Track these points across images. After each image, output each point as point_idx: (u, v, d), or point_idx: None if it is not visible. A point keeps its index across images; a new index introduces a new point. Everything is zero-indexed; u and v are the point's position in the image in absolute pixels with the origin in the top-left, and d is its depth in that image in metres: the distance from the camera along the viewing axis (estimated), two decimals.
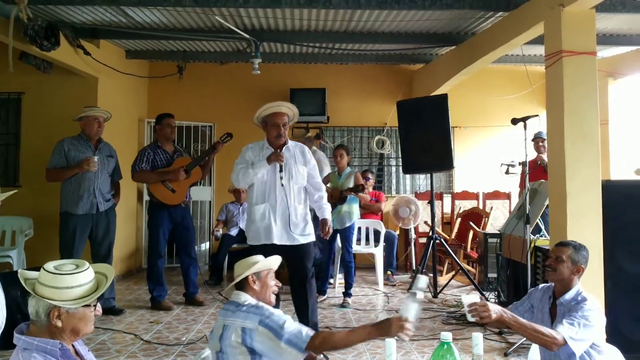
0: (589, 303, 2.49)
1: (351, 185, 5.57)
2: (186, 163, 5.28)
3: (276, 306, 3.82)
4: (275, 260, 2.54)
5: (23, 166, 6.46)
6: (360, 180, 5.68)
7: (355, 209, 5.72)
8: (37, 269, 1.82)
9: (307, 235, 3.96)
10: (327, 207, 4.11)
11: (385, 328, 2.19)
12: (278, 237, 3.84)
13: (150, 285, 5.32)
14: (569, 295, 2.57)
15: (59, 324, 1.75)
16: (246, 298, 2.42)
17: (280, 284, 2.57)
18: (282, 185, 3.87)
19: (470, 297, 2.30)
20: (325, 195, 4.13)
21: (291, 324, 2.26)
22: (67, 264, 1.82)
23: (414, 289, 2.16)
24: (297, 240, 3.89)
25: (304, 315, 3.94)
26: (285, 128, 3.91)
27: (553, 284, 2.68)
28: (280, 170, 3.87)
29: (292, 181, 3.91)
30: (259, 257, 2.52)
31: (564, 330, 2.33)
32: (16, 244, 5.87)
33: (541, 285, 2.82)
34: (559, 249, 2.64)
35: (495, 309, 2.26)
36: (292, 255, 3.88)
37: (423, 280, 2.17)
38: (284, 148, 3.95)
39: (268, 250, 3.74)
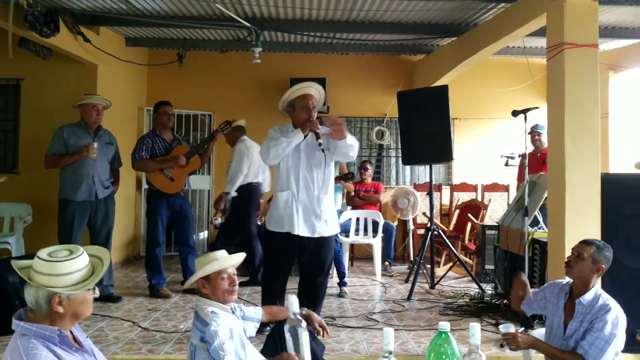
0: (612, 313, 2.47)
1: (339, 174, 5.58)
2: (185, 151, 5.27)
3: (275, 294, 3.82)
4: (230, 260, 2.43)
5: (22, 153, 6.45)
6: (346, 170, 5.69)
7: (339, 198, 5.74)
8: (32, 257, 1.81)
9: (330, 227, 3.74)
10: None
11: None
12: (300, 228, 3.66)
13: (149, 273, 5.33)
14: (588, 296, 2.55)
15: (61, 310, 1.76)
16: (203, 304, 2.38)
17: (235, 282, 2.43)
18: (323, 151, 3.59)
19: (507, 327, 2.46)
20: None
21: (221, 346, 2.19)
22: (60, 249, 1.82)
23: (292, 315, 2.04)
24: (319, 232, 3.69)
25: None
26: (315, 111, 3.62)
27: (571, 281, 2.68)
28: (318, 137, 3.55)
29: (317, 169, 3.70)
30: (218, 255, 2.42)
31: (590, 357, 2.44)
32: (15, 230, 5.88)
33: (558, 280, 2.82)
34: (582, 247, 2.62)
35: (526, 340, 2.46)
36: (311, 246, 3.71)
37: (293, 302, 2.06)
38: (310, 133, 3.62)
39: (288, 238, 3.68)
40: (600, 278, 2.65)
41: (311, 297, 3.75)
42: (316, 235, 3.69)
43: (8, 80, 6.49)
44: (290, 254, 3.81)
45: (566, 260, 2.66)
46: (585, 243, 2.64)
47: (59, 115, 5.65)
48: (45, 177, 5.66)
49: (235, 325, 2.43)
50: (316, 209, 3.68)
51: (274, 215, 3.76)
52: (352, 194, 6.88)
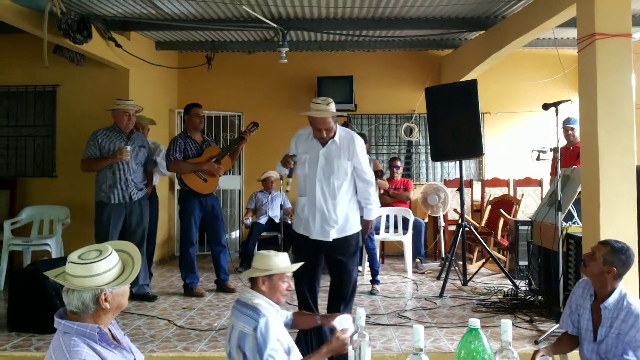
0: None
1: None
2: (216, 153, 5.36)
3: (310, 300, 3.90)
4: (293, 267, 2.56)
5: (59, 157, 6.65)
6: (379, 167, 5.66)
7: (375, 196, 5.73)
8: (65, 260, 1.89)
9: (345, 230, 3.78)
10: (373, 206, 3.92)
11: (332, 344, 2.35)
12: (315, 232, 3.76)
13: (183, 272, 5.44)
14: (612, 299, 2.52)
15: (108, 305, 1.84)
16: (253, 296, 2.46)
17: (292, 288, 2.59)
18: (288, 184, 3.92)
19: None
20: (373, 191, 3.94)
21: (276, 353, 2.31)
22: (89, 251, 1.88)
23: (357, 328, 2.08)
24: (332, 236, 3.75)
25: (335, 309, 3.94)
26: (329, 131, 3.72)
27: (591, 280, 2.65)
28: (289, 176, 3.87)
29: (333, 177, 3.75)
30: (281, 259, 2.52)
31: None
32: (54, 232, 6.06)
33: (582, 279, 2.78)
34: (597, 246, 2.61)
35: None
36: (328, 249, 3.78)
37: (361, 315, 2.08)
38: (330, 141, 3.77)
39: (307, 241, 3.80)
40: (620, 280, 2.57)
41: (339, 295, 3.85)
42: (330, 239, 3.74)
43: (44, 87, 6.69)
44: (313, 254, 3.83)
45: (582, 257, 2.63)
46: (601, 243, 2.61)
47: (94, 120, 5.80)
48: (82, 180, 5.83)
49: (279, 320, 2.54)
50: (332, 215, 3.73)
51: (296, 217, 3.93)
52: (384, 191, 6.84)
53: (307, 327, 2.76)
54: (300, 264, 2.65)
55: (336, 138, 3.74)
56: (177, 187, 7.64)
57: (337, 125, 3.78)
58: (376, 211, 4.01)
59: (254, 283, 2.51)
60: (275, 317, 2.46)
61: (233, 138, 7.70)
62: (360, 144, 3.83)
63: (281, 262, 2.51)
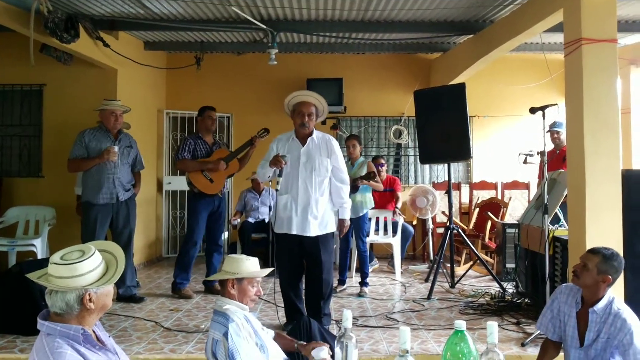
0: (630, 320, 2.42)
1: (364, 174, 5.58)
2: (224, 155, 5.39)
3: (297, 303, 4.00)
4: (263, 272, 2.56)
5: (45, 157, 6.59)
6: (373, 168, 5.68)
7: (369, 198, 5.73)
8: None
9: (326, 227, 4.05)
10: (348, 205, 4.16)
11: None
12: (297, 228, 3.98)
13: (176, 270, 5.40)
14: (601, 304, 2.51)
15: (92, 306, 1.82)
16: (223, 302, 2.46)
17: (261, 293, 2.57)
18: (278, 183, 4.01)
19: None
20: (347, 191, 4.17)
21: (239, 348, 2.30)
22: (71, 251, 1.86)
23: (343, 330, 2.08)
24: (316, 232, 4.00)
25: (315, 306, 4.01)
26: (310, 118, 3.99)
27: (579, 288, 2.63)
28: (279, 175, 3.99)
29: (315, 173, 4.00)
30: (252, 263, 2.52)
31: None
32: (40, 233, 6.00)
33: (564, 285, 2.76)
34: (588, 256, 2.57)
35: None
36: (309, 245, 4.01)
37: (348, 317, 2.09)
38: (308, 139, 4.04)
39: (288, 239, 4.01)
40: (612, 286, 2.56)
41: (319, 294, 4.03)
42: (313, 234, 3.98)
43: (31, 86, 6.63)
44: (295, 253, 4.07)
45: (572, 269, 2.61)
46: (591, 252, 2.57)
47: (81, 120, 5.75)
48: (69, 180, 5.79)
49: (252, 319, 2.54)
50: (313, 209, 3.98)
51: (277, 217, 4.07)
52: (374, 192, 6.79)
53: (283, 350, 2.73)
54: (270, 269, 2.67)
55: (314, 137, 4.03)
56: (165, 188, 7.64)
57: (314, 129, 4.06)
58: (349, 211, 4.20)
59: (224, 287, 2.51)
60: (245, 319, 2.45)
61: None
62: (336, 144, 4.13)
63: (251, 267, 2.51)
